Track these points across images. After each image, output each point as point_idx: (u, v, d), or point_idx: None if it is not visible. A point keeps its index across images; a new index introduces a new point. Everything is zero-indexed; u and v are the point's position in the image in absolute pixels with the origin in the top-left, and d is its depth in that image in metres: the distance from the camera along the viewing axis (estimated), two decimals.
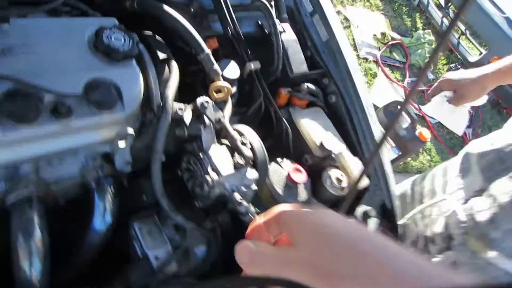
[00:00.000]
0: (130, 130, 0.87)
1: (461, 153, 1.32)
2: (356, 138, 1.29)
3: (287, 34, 1.28)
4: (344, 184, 1.16)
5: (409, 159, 2.96)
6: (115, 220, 0.96)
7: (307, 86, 1.27)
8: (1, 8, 0.80)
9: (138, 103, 0.89)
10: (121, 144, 0.88)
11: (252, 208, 0.94)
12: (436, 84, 1.49)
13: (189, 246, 0.96)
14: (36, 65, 0.80)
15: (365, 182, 1.20)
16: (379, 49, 3.52)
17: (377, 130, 1.31)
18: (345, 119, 1.30)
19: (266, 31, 1.27)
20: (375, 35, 3.69)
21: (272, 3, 1.27)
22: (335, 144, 1.17)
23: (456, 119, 1.32)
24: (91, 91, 0.81)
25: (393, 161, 2.41)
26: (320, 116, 1.28)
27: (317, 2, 1.35)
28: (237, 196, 0.90)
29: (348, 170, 1.19)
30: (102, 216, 0.95)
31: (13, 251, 0.81)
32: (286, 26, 1.30)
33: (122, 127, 0.90)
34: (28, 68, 0.78)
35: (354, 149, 1.27)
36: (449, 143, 3.31)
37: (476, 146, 1.16)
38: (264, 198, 1.11)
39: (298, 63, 1.26)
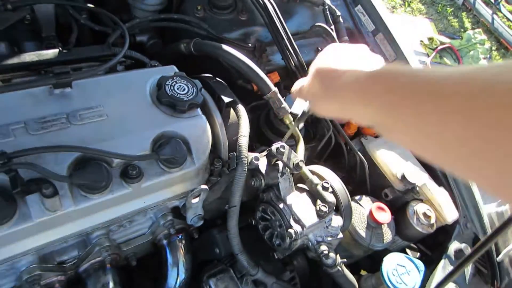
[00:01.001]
0: (204, 187, 0.80)
1: None
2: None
3: None
4: (433, 219, 1.04)
5: None
6: (189, 275, 0.89)
7: None
8: (63, 73, 0.76)
9: (207, 154, 0.83)
10: (195, 201, 0.82)
11: (339, 259, 0.84)
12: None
13: None
14: (101, 129, 0.75)
15: (454, 215, 1.07)
16: (428, 55, 3.34)
17: None
18: None
19: None
20: (421, 41, 3.52)
21: (332, 26, 1.19)
22: (418, 175, 1.06)
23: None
24: (159, 149, 0.75)
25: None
26: (396, 144, 1.17)
27: (379, 20, 1.25)
28: (324, 248, 0.80)
29: (435, 203, 1.06)
30: (176, 273, 0.89)
31: None
32: None
33: (193, 180, 0.84)
34: (94, 134, 0.74)
35: (438, 179, 1.14)
36: None
37: None
38: (344, 242, 1.01)
39: None
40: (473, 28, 3.84)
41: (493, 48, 3.73)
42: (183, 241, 0.90)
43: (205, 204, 0.87)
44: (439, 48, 3.40)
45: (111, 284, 0.79)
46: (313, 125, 1.17)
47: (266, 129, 1.07)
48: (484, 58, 3.54)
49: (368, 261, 1.13)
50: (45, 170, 0.64)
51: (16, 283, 0.73)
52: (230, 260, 0.93)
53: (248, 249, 0.87)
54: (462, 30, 3.83)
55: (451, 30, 3.81)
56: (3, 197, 0.63)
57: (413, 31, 3.57)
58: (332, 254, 0.82)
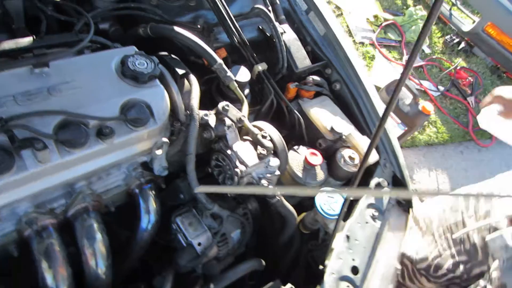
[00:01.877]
0: (165, 139, 1.00)
1: None
2: (362, 119, 1.40)
3: (288, 34, 1.40)
4: (357, 161, 1.28)
5: (416, 133, 3.06)
6: (159, 218, 1.09)
7: (312, 78, 1.40)
8: (41, 55, 0.94)
9: (167, 115, 1.02)
10: (158, 152, 1.02)
11: (278, 191, 1.06)
12: (487, 98, 1.56)
13: (226, 231, 1.09)
14: (77, 98, 0.93)
15: (375, 157, 1.32)
16: (374, 32, 3.62)
17: (381, 109, 1.43)
18: (351, 103, 1.42)
19: (267, 34, 1.40)
20: (367, 18, 3.79)
21: (270, 8, 1.40)
22: (344, 127, 1.29)
23: (504, 131, 1.38)
24: (127, 112, 0.94)
25: (400, 137, 2.52)
26: (328, 103, 1.40)
27: (311, 0, 1.46)
28: (264, 183, 1.03)
29: (358, 148, 1.31)
30: (148, 216, 1.08)
31: (81, 254, 0.95)
32: (286, 27, 1.42)
33: (157, 138, 1.03)
34: (72, 102, 0.92)
35: (362, 129, 1.39)
36: (453, 113, 3.39)
37: None
38: (286, 182, 1.24)
39: (302, 59, 1.39)
40: (415, 5, 4.14)
41: (433, 22, 4.04)
42: (153, 190, 1.10)
43: (168, 157, 1.07)
44: (383, 24, 3.67)
45: (95, 225, 0.97)
46: (259, 92, 1.38)
47: (218, 96, 1.27)
48: None
49: (311, 203, 1.37)
50: (36, 129, 0.82)
51: (17, 226, 0.91)
52: (192, 203, 1.14)
53: (209, 195, 1.08)
54: (404, 7, 4.12)
55: (394, 8, 4.10)
56: (3, 152, 0.81)
57: (360, 9, 3.83)
58: (271, 187, 1.04)
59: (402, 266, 1.53)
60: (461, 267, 1.27)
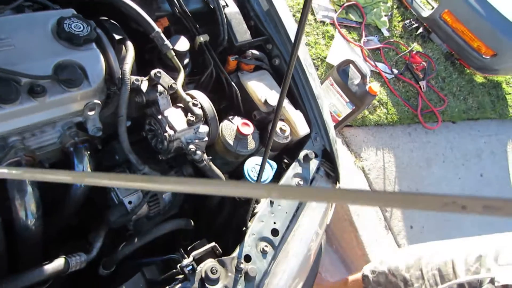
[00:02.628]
0: (97, 100, 1.05)
1: None
2: (298, 94, 1.49)
3: (230, 7, 1.45)
4: (287, 133, 1.37)
5: (367, 113, 3.20)
6: None
7: (251, 52, 1.46)
8: None
9: (102, 79, 1.07)
10: (90, 113, 1.07)
11: (206, 156, 1.14)
12: None
13: (157, 192, 1.16)
14: (11, 56, 0.96)
15: (306, 130, 1.42)
16: (335, 12, 3.69)
17: (316, 86, 1.52)
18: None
19: (211, 6, 1.44)
20: None
21: None
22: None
23: None
24: (60, 72, 0.98)
25: (348, 115, 2.64)
26: (266, 77, 1.48)
27: None
28: (191, 147, 1.10)
29: (291, 121, 1.40)
30: None
31: (12, 206, 1.00)
32: (229, 0, 1.47)
33: (90, 100, 1.08)
34: (4, 59, 0.95)
35: (297, 104, 1.48)
36: (404, 96, 3.56)
37: None
38: (219, 150, 1.32)
39: (242, 33, 1.44)
40: None
41: (394, 6, 4.16)
42: (87, 150, 1.15)
43: (102, 119, 1.12)
44: (345, 5, 3.75)
45: (27, 180, 1.03)
46: (201, 63, 1.43)
47: (159, 65, 1.32)
48: (385, 16, 3.96)
49: None
50: None
51: None
52: (127, 165, 1.21)
53: (142, 156, 1.15)
54: None
55: None
56: None
57: None
58: (199, 152, 1.12)
59: None
60: None
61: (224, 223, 1.41)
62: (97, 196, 1.24)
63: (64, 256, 1.01)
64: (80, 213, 1.29)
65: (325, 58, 3.32)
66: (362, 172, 3.06)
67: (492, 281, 1.21)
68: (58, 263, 0.98)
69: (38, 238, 1.05)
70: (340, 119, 2.70)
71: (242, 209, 1.40)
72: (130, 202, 1.13)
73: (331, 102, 2.65)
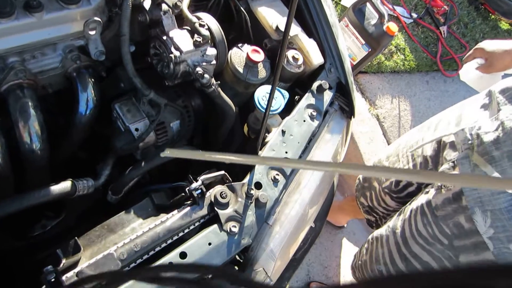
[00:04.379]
0: (97, 18, 0.99)
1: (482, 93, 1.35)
2: (311, 21, 1.40)
3: None
4: (300, 62, 1.30)
5: (383, 58, 3.08)
6: (97, 104, 1.11)
7: None
8: None
9: None
10: (91, 32, 1.01)
11: (214, 81, 1.09)
12: (471, 51, 1.52)
13: (165, 120, 1.12)
14: None
15: (319, 59, 1.34)
16: None
17: (331, 14, 1.43)
18: (301, 5, 1.40)
19: None
20: None
21: None
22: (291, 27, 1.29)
23: (483, 85, 1.37)
24: None
25: (364, 59, 2.53)
26: (278, 4, 1.39)
27: None
28: (199, 70, 1.04)
29: (304, 50, 1.32)
30: (86, 101, 1.10)
31: (16, 130, 0.97)
32: None
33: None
34: None
35: (311, 33, 1.39)
36: (423, 42, 3.40)
37: (502, 82, 1.19)
38: (228, 79, 1.26)
39: None
40: None
41: None
42: (91, 76, 1.10)
43: (105, 42, 1.06)
44: None
45: (29, 101, 0.99)
46: None
47: None
48: None
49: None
50: None
51: None
52: (133, 93, 1.16)
53: (148, 82, 1.10)
54: None
55: None
56: None
57: None
58: (207, 76, 1.06)
59: (371, 190, 1.61)
60: None
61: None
62: (104, 128, 1.21)
63: (71, 179, 0.99)
64: (88, 148, 1.27)
65: (340, 0, 3.16)
66: (377, 120, 2.98)
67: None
68: (65, 185, 0.96)
69: (45, 163, 1.03)
70: (355, 63, 2.60)
71: (252, 143, 1.36)
72: (136, 129, 1.09)
73: (346, 45, 2.54)
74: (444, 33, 3.49)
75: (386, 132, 2.98)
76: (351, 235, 2.44)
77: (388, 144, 2.87)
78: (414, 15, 3.44)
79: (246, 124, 1.34)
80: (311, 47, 1.33)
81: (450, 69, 3.48)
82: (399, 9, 3.38)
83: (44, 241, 1.19)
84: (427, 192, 1.18)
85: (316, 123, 1.27)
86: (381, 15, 2.34)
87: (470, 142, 1.07)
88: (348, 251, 2.42)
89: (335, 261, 2.43)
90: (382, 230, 1.38)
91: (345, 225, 2.43)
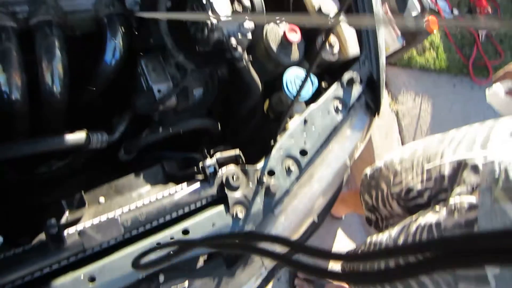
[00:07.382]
0: None
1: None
2: (355, 7, 1.32)
3: None
4: (336, 50, 1.24)
5: (415, 53, 2.97)
6: (124, 56, 1.07)
7: None
8: None
9: None
10: None
11: (246, 56, 1.04)
12: (501, 72, 1.43)
13: (188, 86, 1.09)
14: None
15: (356, 50, 1.28)
16: None
17: (377, 2, 1.35)
18: None
19: None
20: None
21: None
22: (333, 9, 1.23)
23: (511, 110, 1.30)
24: None
25: (396, 52, 2.45)
26: None
27: None
28: (233, 41, 1.00)
29: (342, 37, 1.26)
30: (113, 50, 1.06)
31: (38, 68, 0.94)
32: None
33: None
34: None
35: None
36: (458, 43, 3.28)
37: None
38: (259, 55, 1.21)
39: None
40: None
41: None
42: (122, 26, 1.06)
43: None
44: None
45: (56, 41, 0.95)
46: None
47: None
48: None
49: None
50: None
51: None
52: (161, 51, 1.12)
53: (178, 43, 1.05)
54: None
55: None
56: None
57: None
58: (240, 49, 1.02)
59: (378, 190, 1.58)
60: (427, 192, 1.30)
61: (251, 135, 1.35)
62: (126, 80, 1.17)
63: (86, 130, 0.97)
64: (106, 96, 1.24)
65: None
66: (396, 116, 2.92)
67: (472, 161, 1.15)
68: (79, 136, 0.94)
69: (62, 107, 1.00)
70: (387, 54, 2.51)
71: (272, 124, 1.33)
72: (159, 91, 1.06)
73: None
74: (482, 37, 3.35)
75: (402, 130, 2.93)
76: (346, 227, 2.44)
77: (402, 143, 2.82)
78: (456, 12, 3.29)
79: (267, 102, 1.30)
80: (350, 36, 1.27)
81: (480, 75, 3.37)
82: (441, 3, 3.23)
83: (48, 180, 1.19)
84: (437, 212, 1.16)
85: (340, 116, 1.23)
86: (423, 8, 2.24)
87: (497, 176, 1.04)
88: (342, 243, 2.43)
89: None
90: (383, 238, 1.37)
91: (343, 217, 2.43)
